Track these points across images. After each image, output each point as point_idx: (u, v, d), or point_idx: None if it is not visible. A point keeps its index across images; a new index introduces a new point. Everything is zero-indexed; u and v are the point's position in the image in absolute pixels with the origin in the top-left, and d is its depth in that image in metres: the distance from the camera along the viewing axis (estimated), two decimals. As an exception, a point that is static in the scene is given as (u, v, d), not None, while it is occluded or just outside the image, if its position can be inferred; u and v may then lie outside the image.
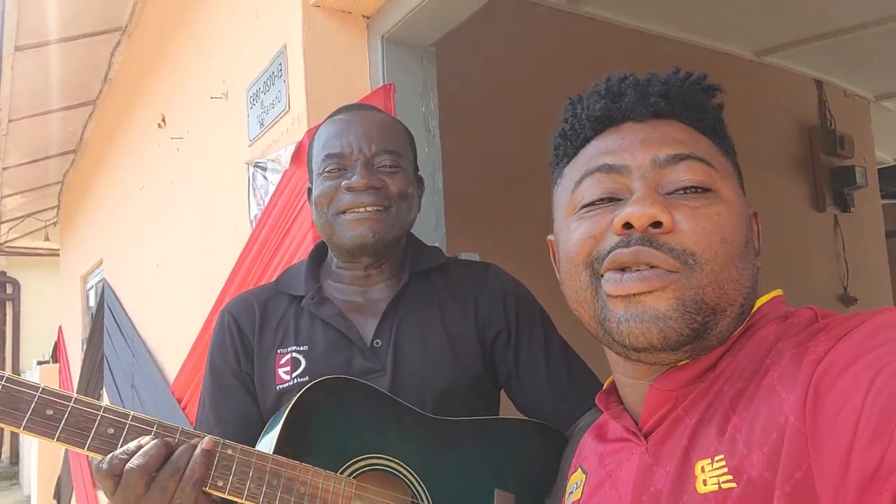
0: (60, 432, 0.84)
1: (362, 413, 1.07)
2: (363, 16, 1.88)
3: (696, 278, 0.64)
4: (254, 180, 2.14)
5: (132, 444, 0.86)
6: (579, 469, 0.85)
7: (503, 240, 2.70)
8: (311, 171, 1.28)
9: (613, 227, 0.67)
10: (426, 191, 1.85)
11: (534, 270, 1.36)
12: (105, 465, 0.84)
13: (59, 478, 6.93)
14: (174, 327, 3.02)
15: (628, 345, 0.67)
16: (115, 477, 0.84)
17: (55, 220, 7.12)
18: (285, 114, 1.89)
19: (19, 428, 0.83)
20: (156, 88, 3.30)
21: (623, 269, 0.66)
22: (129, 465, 0.84)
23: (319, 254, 1.32)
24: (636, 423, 0.74)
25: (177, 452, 0.87)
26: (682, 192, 0.68)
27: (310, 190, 1.28)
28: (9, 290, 11.23)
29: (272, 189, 1.99)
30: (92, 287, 5.46)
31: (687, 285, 0.64)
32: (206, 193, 2.63)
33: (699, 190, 0.68)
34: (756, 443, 0.57)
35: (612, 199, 0.70)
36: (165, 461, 0.86)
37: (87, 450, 0.86)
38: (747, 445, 0.58)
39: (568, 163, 0.78)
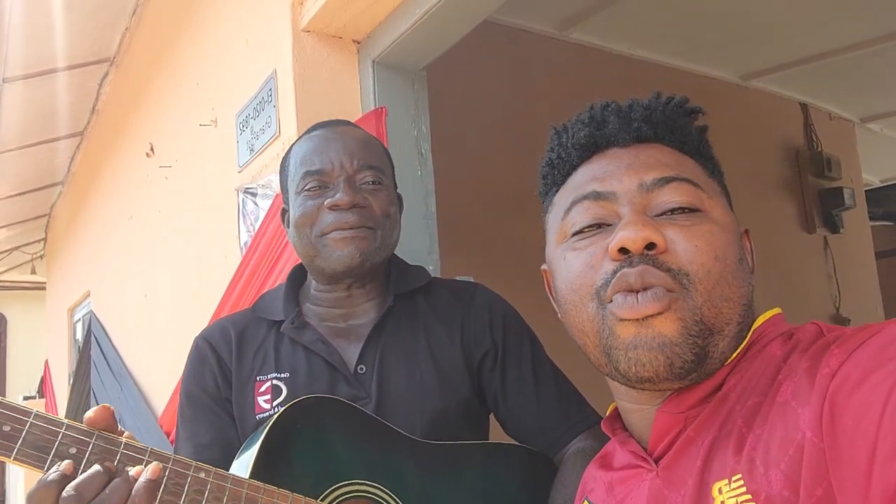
0: (17, 452, 0.76)
1: (346, 435, 1.03)
2: (354, 40, 1.88)
3: (692, 298, 0.65)
4: (244, 206, 2.11)
5: (54, 473, 0.75)
6: (585, 501, 0.83)
7: (497, 264, 2.68)
8: (286, 191, 1.22)
9: (609, 252, 0.67)
10: (419, 214, 1.84)
11: (528, 294, 1.34)
12: (33, 496, 0.75)
13: None
14: (162, 358, 2.97)
15: (632, 375, 0.66)
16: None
17: (42, 252, 7.04)
18: (276, 139, 1.87)
19: None
20: (144, 118, 3.28)
21: (632, 291, 0.66)
22: (63, 496, 0.74)
23: (298, 277, 1.28)
24: (644, 449, 0.73)
25: (110, 487, 0.77)
26: (670, 213, 0.69)
27: (284, 210, 1.24)
28: (-6, 325, 11.07)
29: (262, 215, 1.97)
30: (79, 319, 5.38)
31: (685, 306, 0.65)
32: (195, 221, 2.60)
33: (687, 210, 0.69)
34: (773, 460, 0.57)
35: (601, 225, 0.71)
36: (102, 489, 0.77)
37: (46, 471, 0.77)
38: (765, 463, 0.57)
39: (557, 191, 0.79)
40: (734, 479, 0.59)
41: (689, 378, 0.66)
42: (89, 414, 0.81)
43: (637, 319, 0.65)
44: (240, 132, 2.12)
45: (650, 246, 0.66)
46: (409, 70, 1.87)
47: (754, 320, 0.71)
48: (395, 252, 1.26)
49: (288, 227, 1.21)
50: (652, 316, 0.65)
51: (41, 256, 7.10)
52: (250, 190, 2.05)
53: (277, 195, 1.86)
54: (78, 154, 4.81)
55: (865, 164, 5.27)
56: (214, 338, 1.19)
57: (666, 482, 0.67)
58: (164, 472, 0.82)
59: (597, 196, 0.71)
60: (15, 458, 0.76)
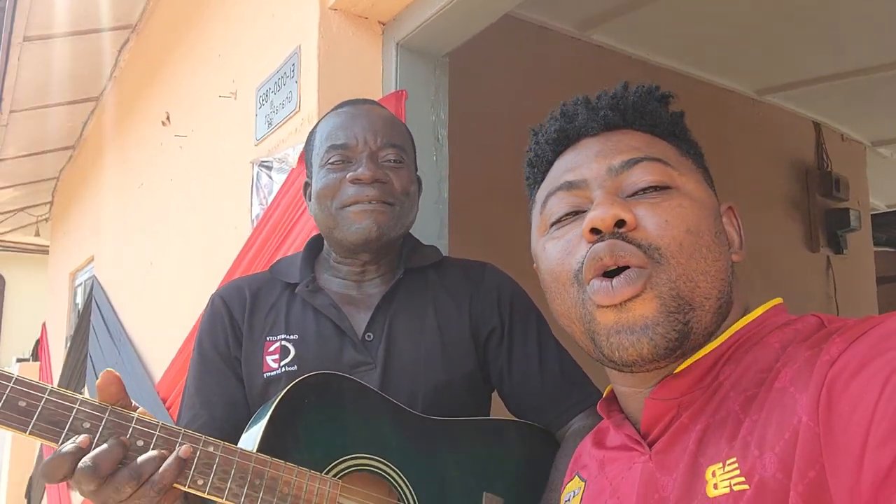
0: (33, 426, 0.78)
1: (352, 411, 1.04)
2: (379, 22, 1.89)
3: (665, 272, 0.65)
4: (258, 179, 2.13)
5: (69, 445, 0.78)
6: (576, 477, 0.84)
7: (504, 254, 2.70)
8: (309, 165, 1.25)
9: (583, 235, 0.69)
10: (431, 199, 1.86)
11: (535, 284, 1.36)
12: (48, 466, 0.78)
13: (30, 478, 6.80)
14: (164, 326, 2.99)
15: (617, 359, 0.67)
16: (59, 480, 0.78)
17: (47, 215, 7.06)
18: (295, 114, 1.89)
19: None
20: (161, 87, 3.30)
21: (607, 275, 0.67)
22: (80, 466, 0.78)
23: (315, 246, 1.30)
24: (638, 432, 0.73)
25: (142, 459, 0.81)
26: (641, 192, 0.70)
27: (307, 184, 1.26)
28: (-7, 285, 11.11)
29: (276, 189, 1.99)
30: (80, 284, 5.40)
31: (659, 282, 0.65)
32: (207, 192, 2.62)
33: (659, 188, 0.70)
34: (769, 444, 0.57)
35: (577, 213, 0.72)
36: (122, 463, 0.80)
37: (61, 444, 0.79)
38: (759, 447, 0.58)
39: (537, 188, 0.81)
40: (728, 462, 0.60)
41: (675, 355, 0.67)
42: (98, 381, 0.84)
43: (615, 305, 0.66)
44: (259, 106, 2.14)
45: (620, 223, 0.67)
46: (433, 55, 1.88)
47: (733, 296, 0.71)
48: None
49: (309, 199, 1.23)
50: (629, 300, 0.65)
51: (46, 219, 7.12)
52: (265, 163, 2.06)
53: (293, 170, 1.88)
54: (91, 119, 4.83)
55: (873, 187, 5.29)
56: (229, 296, 1.22)
57: (659, 466, 0.68)
58: (195, 453, 0.85)
59: (569, 186, 0.73)
60: (30, 433, 0.78)
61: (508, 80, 3.13)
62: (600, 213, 0.67)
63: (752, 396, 0.62)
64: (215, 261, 2.37)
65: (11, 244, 8.69)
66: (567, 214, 0.73)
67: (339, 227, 1.16)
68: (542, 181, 0.80)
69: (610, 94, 0.77)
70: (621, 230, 0.67)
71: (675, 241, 0.66)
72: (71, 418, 0.80)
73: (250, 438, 0.98)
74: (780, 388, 0.59)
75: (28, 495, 6.91)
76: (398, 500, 1.02)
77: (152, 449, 0.83)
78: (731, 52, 3.68)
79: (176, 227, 2.98)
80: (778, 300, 0.73)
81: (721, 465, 0.60)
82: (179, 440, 0.85)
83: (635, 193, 0.70)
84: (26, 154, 5.24)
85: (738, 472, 0.58)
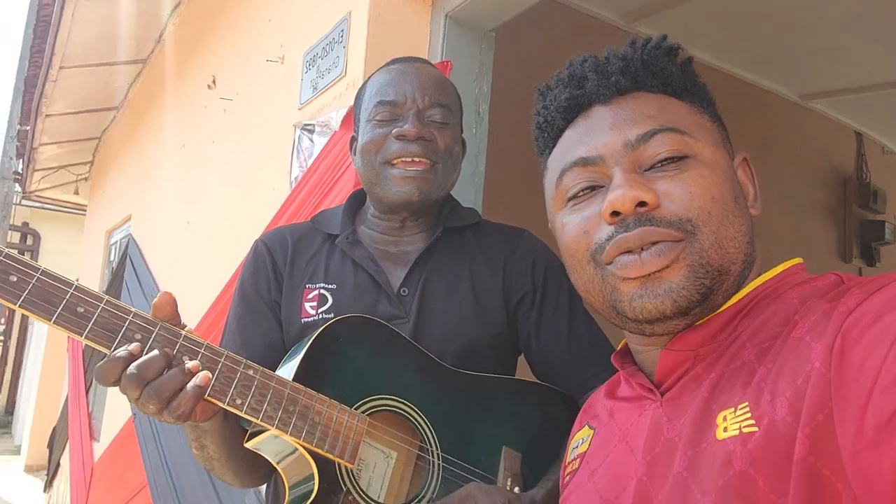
0: (89, 331, 0.83)
1: (382, 354, 1.08)
2: (430, -8, 1.92)
3: (699, 242, 0.66)
4: (299, 142, 2.17)
5: (121, 351, 0.83)
6: (586, 426, 0.86)
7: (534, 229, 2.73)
8: (357, 120, 1.28)
9: (602, 217, 0.69)
10: (468, 171, 1.89)
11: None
12: (100, 369, 0.83)
13: (54, 428, 6.99)
14: (197, 283, 3.06)
15: (641, 319, 0.68)
16: (110, 383, 0.84)
17: (87, 175, 7.21)
18: (341, 79, 1.92)
19: (50, 321, 0.82)
20: (209, 51, 3.36)
21: (632, 251, 0.67)
22: (126, 372, 0.83)
23: (357, 200, 1.34)
24: (652, 382, 0.74)
25: (173, 371, 0.85)
26: (660, 164, 0.69)
27: (353, 139, 1.29)
28: (29, 241, 11.36)
29: (317, 151, 2.03)
30: (115, 242, 5.53)
31: (692, 251, 0.66)
32: (248, 154, 2.67)
33: (676, 159, 0.69)
34: (781, 389, 0.58)
35: (594, 187, 0.72)
36: (161, 372, 0.84)
37: (115, 352, 0.84)
38: (772, 392, 0.59)
39: (549, 154, 0.80)
40: (740, 406, 0.61)
41: (693, 313, 0.68)
42: (155, 300, 0.89)
43: (643, 276, 0.67)
44: (305, 70, 2.18)
45: (642, 204, 0.67)
46: (480, 29, 1.91)
47: (755, 255, 0.71)
48: None
49: (354, 153, 1.26)
50: (658, 271, 0.66)
51: (86, 179, 7.27)
52: (308, 126, 2.11)
53: (334, 133, 1.92)
54: (137, 81, 4.92)
55: (911, 204, 5.20)
56: (272, 243, 1.25)
57: (668, 411, 0.69)
58: (212, 379, 0.89)
59: (584, 162, 0.72)
60: (86, 337, 0.83)
61: (551, 63, 3.13)
62: (620, 196, 0.67)
63: (768, 347, 0.63)
64: (252, 222, 2.43)
65: (50, 200, 8.88)
66: (584, 189, 0.73)
67: (381, 185, 1.19)
68: (553, 147, 0.79)
69: (619, 57, 0.75)
70: (643, 210, 0.67)
71: (703, 211, 0.66)
72: (124, 328, 0.85)
73: (286, 370, 1.02)
74: (796, 339, 0.60)
75: (50, 445, 7.11)
76: (420, 442, 1.06)
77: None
78: (777, 53, 3.64)
79: (215, 188, 3.05)
80: (798, 260, 0.73)
81: (733, 409, 0.61)
82: (222, 359, 0.90)
83: (654, 166, 0.69)
84: (72, 112, 5.36)
85: (748, 415, 0.59)
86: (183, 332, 0.89)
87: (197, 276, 3.11)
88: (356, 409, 1.01)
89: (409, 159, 1.16)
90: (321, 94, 2.05)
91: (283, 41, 2.43)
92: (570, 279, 1.26)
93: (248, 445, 0.99)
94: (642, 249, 0.66)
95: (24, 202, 9.20)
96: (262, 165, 2.50)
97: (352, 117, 1.83)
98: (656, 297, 0.66)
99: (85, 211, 7.63)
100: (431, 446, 1.06)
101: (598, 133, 0.72)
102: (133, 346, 0.84)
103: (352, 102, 1.83)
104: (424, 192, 1.17)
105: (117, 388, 0.84)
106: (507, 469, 1.07)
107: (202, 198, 3.23)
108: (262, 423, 0.91)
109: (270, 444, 0.98)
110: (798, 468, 0.53)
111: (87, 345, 0.84)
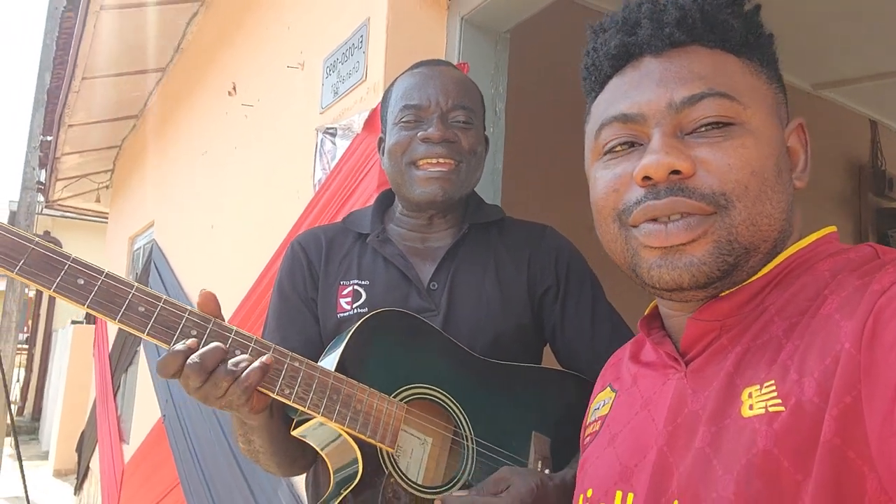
0: (150, 328, 0.90)
1: (417, 345, 1.14)
2: (445, -3, 1.98)
3: (730, 217, 0.64)
4: (322, 146, 2.24)
5: (179, 345, 0.90)
6: (608, 388, 0.86)
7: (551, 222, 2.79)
8: (384, 122, 1.34)
9: (634, 179, 0.67)
10: (487, 169, 1.94)
11: (586, 246, 1.43)
12: (164, 360, 0.90)
13: (82, 433, 7.12)
14: (223, 286, 3.13)
15: (658, 287, 0.68)
16: (172, 374, 0.91)
17: (108, 183, 7.34)
18: (361, 83, 1.99)
19: (115, 320, 0.89)
20: (228, 58, 3.44)
21: (658, 219, 0.66)
22: (189, 361, 0.90)
23: (386, 200, 1.40)
24: (677, 350, 0.73)
25: (236, 358, 0.93)
26: (703, 129, 0.66)
27: (381, 140, 1.35)
28: (51, 249, 11.53)
29: (339, 154, 2.09)
30: (139, 248, 5.64)
31: (721, 225, 0.64)
32: (271, 158, 2.74)
33: (722, 125, 0.65)
34: (809, 369, 0.57)
35: (632, 144, 0.69)
36: (222, 362, 0.92)
37: (173, 347, 0.92)
38: (799, 371, 0.57)
39: (593, 100, 0.77)
40: (766, 384, 0.59)
41: (714, 287, 0.66)
42: (199, 299, 0.96)
43: (666, 248, 0.65)
44: (326, 75, 2.24)
45: (676, 171, 0.64)
46: (495, 31, 1.97)
47: (791, 229, 0.69)
48: None
49: (382, 154, 1.33)
50: (683, 244, 0.65)
51: (107, 187, 7.40)
52: (330, 130, 2.17)
53: (356, 136, 1.98)
54: (157, 89, 5.02)
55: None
56: (307, 242, 1.32)
57: (692, 383, 0.68)
58: (279, 364, 0.97)
59: (625, 119, 0.69)
60: (148, 333, 0.91)
61: (565, 63, 3.18)
62: (653, 162, 0.65)
63: (796, 323, 0.61)
64: (276, 224, 2.50)
65: (71, 209, 9.02)
66: (622, 144, 0.70)
67: (407, 185, 1.25)
68: (598, 93, 0.76)
69: (678, 6, 0.70)
70: (676, 177, 0.65)
71: (740, 185, 0.64)
72: (181, 324, 0.92)
73: (328, 362, 1.08)
74: (825, 315, 0.59)
75: (79, 450, 7.24)
76: (455, 428, 1.12)
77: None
78: (789, 43, 3.64)
79: (238, 193, 3.12)
80: (832, 228, 0.71)
81: (759, 386, 0.60)
82: (270, 352, 0.97)
83: (696, 130, 0.66)
84: (94, 121, 5.47)
85: (775, 394, 0.58)
86: (234, 328, 0.96)
87: (222, 278, 3.19)
88: (394, 397, 1.07)
89: (434, 160, 1.22)
90: (342, 97, 2.11)
91: (303, 47, 2.49)
92: (592, 274, 1.33)
93: (294, 433, 1.06)
94: (669, 219, 0.65)
95: (45, 211, 9.37)
96: (285, 169, 2.57)
97: (373, 120, 1.90)
98: (675, 269, 0.65)
99: (106, 218, 7.78)
100: (465, 432, 1.12)
101: (643, 88, 0.69)
102: (191, 340, 0.91)
103: (373, 106, 1.90)
104: (448, 192, 1.23)
105: (176, 380, 0.92)
106: (538, 452, 1.13)
107: (225, 202, 3.31)
108: (309, 411, 0.98)
109: (316, 431, 1.04)
110: (823, 450, 0.53)
111: (147, 339, 0.91)
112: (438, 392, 1.12)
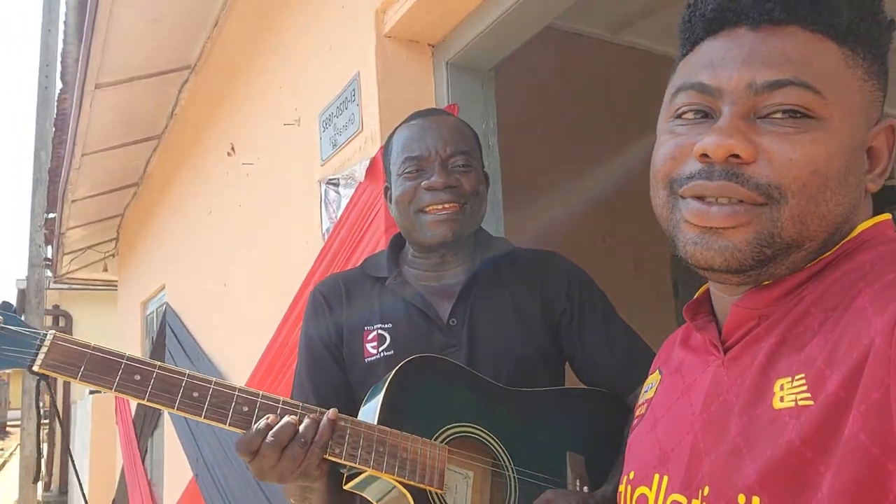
0: (206, 411, 0.99)
1: (449, 387, 1.21)
2: (429, 44, 2.09)
3: (779, 212, 0.63)
4: (326, 196, 2.33)
5: (261, 423, 1.00)
6: (657, 370, 0.87)
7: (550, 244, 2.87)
8: (388, 172, 1.42)
9: (693, 153, 0.66)
10: (487, 201, 2.03)
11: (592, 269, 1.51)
12: (244, 443, 1.00)
13: (113, 501, 7.13)
14: (242, 339, 3.21)
15: (691, 263, 0.68)
16: (252, 453, 1.00)
17: (114, 251, 7.45)
18: (359, 133, 2.08)
19: (173, 408, 0.97)
20: (224, 120, 3.55)
21: (705, 199, 0.65)
22: (265, 441, 0.99)
23: (397, 243, 1.47)
24: (720, 336, 0.74)
25: (303, 426, 1.01)
26: (778, 116, 0.64)
27: (387, 188, 1.43)
28: (61, 322, 11.62)
29: (344, 202, 2.18)
30: (152, 312, 5.72)
31: (767, 218, 0.63)
32: (276, 212, 2.84)
33: (798, 115, 0.63)
34: (837, 363, 0.57)
35: (703, 114, 0.68)
36: (294, 435, 1.01)
37: (228, 425, 1.01)
38: (829, 365, 0.57)
39: (681, 58, 0.74)
40: (797, 377, 0.60)
41: (748, 274, 0.66)
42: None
43: (705, 227, 0.65)
44: (323, 129, 2.34)
45: (736, 155, 0.63)
46: (480, 70, 2.07)
47: (851, 228, 0.67)
48: None
49: (390, 202, 1.41)
50: (723, 228, 0.64)
51: (113, 255, 7.51)
52: (332, 181, 2.27)
53: (360, 184, 2.07)
54: (154, 156, 5.14)
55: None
56: (328, 290, 1.40)
57: (728, 372, 0.69)
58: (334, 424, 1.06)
59: (703, 88, 0.67)
60: (205, 416, 0.99)
61: (544, 85, 3.29)
62: (713, 143, 0.63)
63: (830, 314, 0.61)
64: (289, 273, 2.58)
65: (80, 281, 9.12)
66: (694, 112, 0.68)
67: (417, 230, 1.33)
68: (688, 51, 0.73)
69: None
70: (735, 161, 0.63)
71: (797, 181, 0.62)
72: (233, 403, 1.01)
73: (369, 412, 1.15)
74: (857, 308, 0.58)
75: (112, 517, 7.24)
76: (494, 460, 1.19)
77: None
78: None
79: (247, 248, 3.21)
80: (886, 216, 0.69)
81: (790, 379, 0.60)
82: (326, 417, 1.05)
83: (770, 116, 0.64)
84: (95, 194, 5.58)
85: (804, 387, 0.58)
86: (280, 398, 1.05)
87: (240, 334, 3.27)
88: (435, 439, 1.14)
89: (440, 206, 1.30)
90: (342, 149, 2.21)
91: (297, 104, 2.60)
92: (602, 293, 1.40)
93: (347, 488, 1.12)
94: (716, 201, 0.64)
95: (52, 285, 9.47)
96: (292, 221, 2.66)
97: (375, 167, 2.00)
98: (708, 249, 0.65)
99: (114, 286, 7.86)
100: (505, 462, 1.18)
101: (729, 62, 0.66)
102: (271, 418, 1.00)
103: (372, 154, 2.00)
104: (457, 232, 1.31)
105: (204, 437, 1.00)
106: (574, 472, 1.18)
107: (235, 259, 3.40)
108: (360, 466, 1.05)
109: (368, 483, 1.11)
110: (847, 445, 0.53)
111: (203, 422, 0.99)
112: (475, 428, 1.19)
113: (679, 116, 0.70)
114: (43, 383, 1.01)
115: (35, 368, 0.94)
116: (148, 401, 0.96)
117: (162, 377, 0.98)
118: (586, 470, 1.21)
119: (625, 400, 1.32)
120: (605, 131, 3.54)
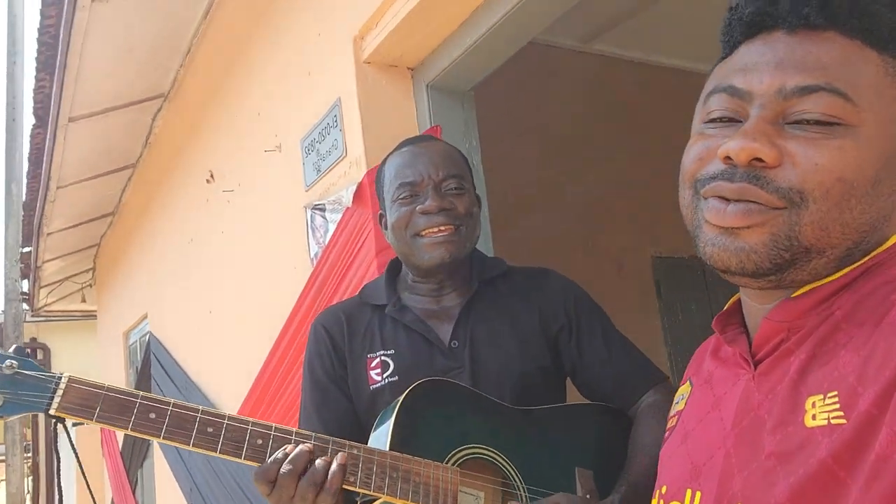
0: (221, 446, 1.00)
1: (457, 409, 1.23)
2: (408, 68, 2.11)
3: (798, 216, 0.62)
4: (312, 221, 2.34)
5: (279, 454, 1.02)
6: (688, 381, 0.86)
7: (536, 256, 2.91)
8: (382, 199, 1.44)
9: (718, 155, 0.65)
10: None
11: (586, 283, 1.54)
12: (261, 472, 1.01)
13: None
14: (230, 367, 3.20)
15: (709, 264, 0.67)
16: (269, 483, 1.01)
17: (91, 281, 7.36)
18: (342, 159, 2.10)
19: (189, 445, 0.98)
20: (201, 147, 3.54)
21: (725, 198, 0.65)
22: (281, 470, 1.00)
23: (394, 269, 1.49)
24: (751, 348, 0.73)
25: (314, 467, 1.03)
26: (806, 122, 0.63)
27: (381, 215, 1.45)
28: (39, 355, 11.42)
29: (332, 228, 2.19)
30: (135, 342, 5.66)
31: (785, 221, 0.62)
32: (262, 239, 2.84)
33: (826, 123, 0.62)
34: (870, 379, 0.56)
35: (732, 120, 0.68)
36: (310, 464, 1.02)
37: (244, 459, 1.02)
38: (861, 382, 0.57)
39: (721, 59, 0.74)
40: (829, 395, 0.59)
41: (767, 279, 0.65)
42: None
43: (723, 227, 0.65)
44: (305, 155, 2.35)
45: (760, 159, 0.62)
46: (459, 91, 2.10)
47: (881, 242, 0.65)
48: None
49: (385, 229, 1.43)
50: (738, 228, 0.64)
51: (90, 285, 7.41)
52: (318, 206, 2.27)
53: (347, 209, 2.09)
54: (129, 185, 5.10)
55: None
56: (329, 322, 1.41)
57: (759, 386, 0.68)
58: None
59: (733, 91, 0.67)
60: (220, 451, 1.00)
61: (519, 99, 3.33)
62: (737, 146, 0.63)
63: (861, 330, 0.60)
64: (278, 299, 2.58)
65: (57, 313, 8.99)
66: (723, 118, 0.68)
67: (414, 255, 1.34)
68: (728, 54, 0.73)
69: None
70: (758, 164, 0.63)
71: (821, 186, 0.61)
72: (247, 436, 1.02)
73: (380, 438, 1.17)
74: (890, 323, 0.57)
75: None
76: (504, 479, 1.21)
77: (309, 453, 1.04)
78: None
79: (232, 275, 3.20)
80: None
81: (822, 396, 0.59)
82: (331, 446, 1.07)
83: (799, 122, 0.63)
84: (71, 225, 5.52)
85: (837, 405, 0.57)
86: (293, 429, 1.06)
87: (227, 361, 3.26)
88: (447, 462, 1.16)
89: (436, 229, 1.32)
90: (326, 174, 2.22)
91: (277, 130, 2.61)
92: (598, 307, 1.43)
93: None
94: (736, 200, 0.64)
95: (29, 318, 9.31)
96: (278, 248, 2.66)
97: (362, 192, 2.01)
98: (725, 250, 0.65)
99: (93, 315, 7.76)
100: (517, 481, 1.20)
101: (762, 66, 0.66)
102: (288, 447, 1.02)
103: (358, 178, 2.02)
104: (454, 253, 1.33)
105: (197, 464, 1.02)
106: (584, 487, 1.19)
107: (220, 286, 3.38)
108: (375, 493, 1.06)
109: None
110: (878, 463, 0.53)
111: (219, 457, 1.00)
112: (485, 449, 1.21)
113: (710, 119, 0.70)
114: (23, 419, 1.02)
115: (51, 412, 0.95)
116: (164, 438, 0.97)
117: (177, 414, 0.99)
118: (596, 484, 1.24)
119: (627, 412, 1.35)
120: (582, 139, 3.59)
